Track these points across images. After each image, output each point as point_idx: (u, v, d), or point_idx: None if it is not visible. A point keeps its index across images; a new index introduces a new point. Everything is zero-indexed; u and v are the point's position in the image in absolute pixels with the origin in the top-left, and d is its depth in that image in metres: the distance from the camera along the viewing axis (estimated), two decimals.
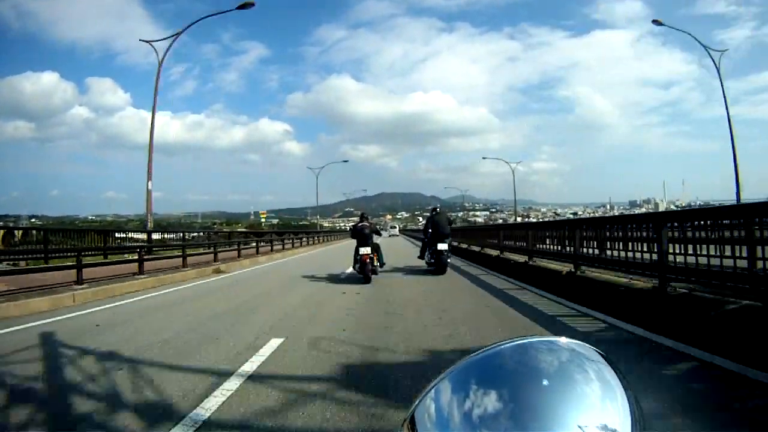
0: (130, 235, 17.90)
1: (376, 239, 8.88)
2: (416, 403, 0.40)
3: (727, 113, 20.04)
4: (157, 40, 16.06)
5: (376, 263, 8.33)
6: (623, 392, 0.37)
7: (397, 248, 19.93)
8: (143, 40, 16.09)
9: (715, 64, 20.52)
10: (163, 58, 15.69)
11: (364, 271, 7.79)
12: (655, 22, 23.08)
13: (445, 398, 0.39)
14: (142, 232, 20.29)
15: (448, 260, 9.06)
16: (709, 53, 20.59)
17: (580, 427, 0.33)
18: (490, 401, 0.36)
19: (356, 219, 9.15)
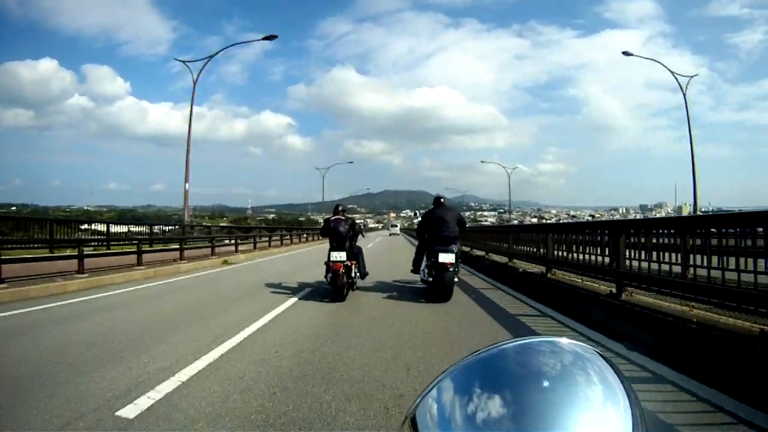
0: (95, 227, 16.58)
1: (358, 241, 7.00)
2: (417, 401, 0.40)
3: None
4: (190, 61, 18.39)
5: (354, 274, 6.46)
6: (624, 394, 0.37)
7: (396, 251, 18.49)
8: (177, 59, 18.59)
9: (682, 90, 21.84)
10: (196, 78, 17.90)
11: (335, 285, 5.93)
12: (625, 53, 25.64)
13: (446, 397, 0.39)
14: (116, 224, 19.17)
15: (456, 279, 6.07)
16: (677, 80, 21.74)
17: (580, 428, 0.34)
18: (492, 401, 0.36)
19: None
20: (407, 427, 0.39)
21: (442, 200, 6.64)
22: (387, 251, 17.64)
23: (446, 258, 5.82)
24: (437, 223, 6.19)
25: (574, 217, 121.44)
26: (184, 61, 18.16)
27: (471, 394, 0.38)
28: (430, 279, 6.12)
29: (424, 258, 6.53)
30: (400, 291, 6.88)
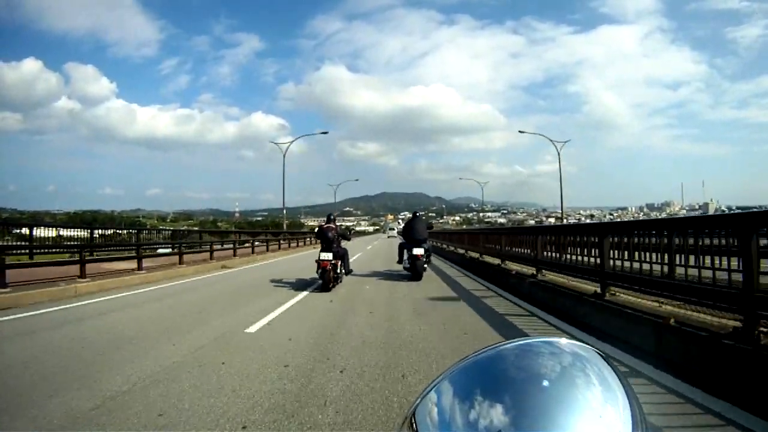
0: (38, 232, 15.22)
1: (345, 244, 9.05)
2: (416, 402, 0.41)
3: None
4: (283, 143, 29.49)
5: (340, 270, 8.37)
6: (624, 394, 0.37)
7: (391, 251, 18.05)
8: (273, 142, 27.73)
9: (557, 151, 29.64)
10: (285, 153, 29.90)
11: (323, 278, 7.83)
12: (521, 131, 45.65)
13: (445, 398, 0.39)
14: (66, 227, 18.04)
15: (426, 265, 9.57)
16: (555, 146, 30.11)
17: (580, 429, 0.34)
18: (491, 402, 0.37)
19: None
20: (406, 427, 0.40)
21: (417, 214, 10.55)
22: (383, 253, 18.43)
23: (418, 251, 9.19)
24: (412, 230, 9.70)
25: (592, 216, 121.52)
26: (276, 143, 29.95)
27: (470, 395, 0.38)
28: (408, 266, 9.50)
29: (405, 252, 9.72)
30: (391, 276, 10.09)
